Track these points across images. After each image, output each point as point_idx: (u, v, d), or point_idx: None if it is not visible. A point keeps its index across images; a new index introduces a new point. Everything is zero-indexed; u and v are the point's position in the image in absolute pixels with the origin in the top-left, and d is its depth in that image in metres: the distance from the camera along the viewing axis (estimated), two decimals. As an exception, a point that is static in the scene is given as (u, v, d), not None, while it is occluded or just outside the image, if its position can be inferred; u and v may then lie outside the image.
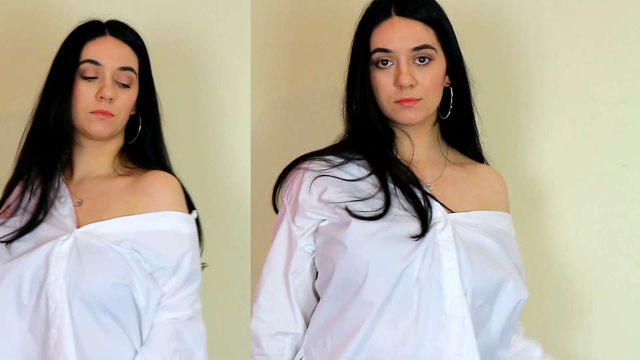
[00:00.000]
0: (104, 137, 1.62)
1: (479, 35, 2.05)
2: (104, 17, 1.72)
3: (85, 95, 1.59)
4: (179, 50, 2.38)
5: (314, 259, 1.70)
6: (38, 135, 1.62)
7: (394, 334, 1.56)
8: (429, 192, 1.66)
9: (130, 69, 1.63)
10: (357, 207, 1.63)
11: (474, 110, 1.77)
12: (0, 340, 1.51)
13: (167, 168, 1.71)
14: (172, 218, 1.59)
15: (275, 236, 1.74)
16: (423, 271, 1.57)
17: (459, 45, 1.74)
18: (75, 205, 1.60)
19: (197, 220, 1.70)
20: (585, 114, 2.05)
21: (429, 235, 1.60)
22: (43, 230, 1.57)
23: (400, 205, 1.63)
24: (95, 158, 1.64)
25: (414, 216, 1.62)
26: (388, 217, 1.62)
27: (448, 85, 1.73)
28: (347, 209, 1.63)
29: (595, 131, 2.04)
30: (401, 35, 1.67)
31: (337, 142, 1.77)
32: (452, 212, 1.66)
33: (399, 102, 1.67)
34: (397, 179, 1.66)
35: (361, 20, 1.73)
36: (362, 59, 1.71)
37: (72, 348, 1.47)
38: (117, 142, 1.68)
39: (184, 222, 1.61)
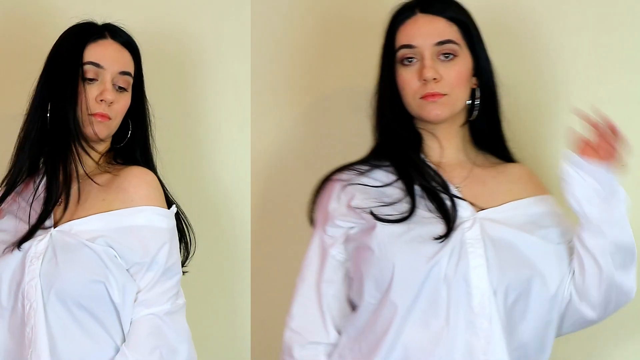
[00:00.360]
0: (100, 138, 1.63)
1: (496, 36, 2.05)
2: (100, 19, 1.73)
3: (87, 97, 1.59)
4: (178, 55, 2.39)
5: (347, 268, 1.72)
6: (47, 135, 1.61)
7: (426, 334, 1.57)
8: (457, 192, 1.67)
9: (129, 73, 1.65)
10: (384, 211, 1.65)
11: (500, 114, 1.78)
12: None
13: (143, 161, 1.71)
14: (148, 213, 1.58)
15: (309, 248, 1.76)
16: (450, 269, 1.58)
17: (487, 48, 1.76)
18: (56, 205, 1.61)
19: (179, 216, 1.69)
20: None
21: (456, 234, 1.61)
22: (23, 231, 1.57)
23: (426, 208, 1.65)
24: (81, 158, 1.62)
25: (439, 217, 1.63)
26: (413, 219, 1.63)
27: (475, 87, 1.74)
28: (371, 213, 1.64)
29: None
30: (424, 31, 1.70)
31: (368, 153, 1.80)
32: (483, 209, 1.67)
33: (424, 97, 1.68)
34: (423, 182, 1.67)
35: (388, 23, 1.76)
36: (388, 59, 1.74)
37: (46, 346, 1.48)
38: (106, 144, 1.68)
39: (160, 217, 1.60)
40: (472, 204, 1.66)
